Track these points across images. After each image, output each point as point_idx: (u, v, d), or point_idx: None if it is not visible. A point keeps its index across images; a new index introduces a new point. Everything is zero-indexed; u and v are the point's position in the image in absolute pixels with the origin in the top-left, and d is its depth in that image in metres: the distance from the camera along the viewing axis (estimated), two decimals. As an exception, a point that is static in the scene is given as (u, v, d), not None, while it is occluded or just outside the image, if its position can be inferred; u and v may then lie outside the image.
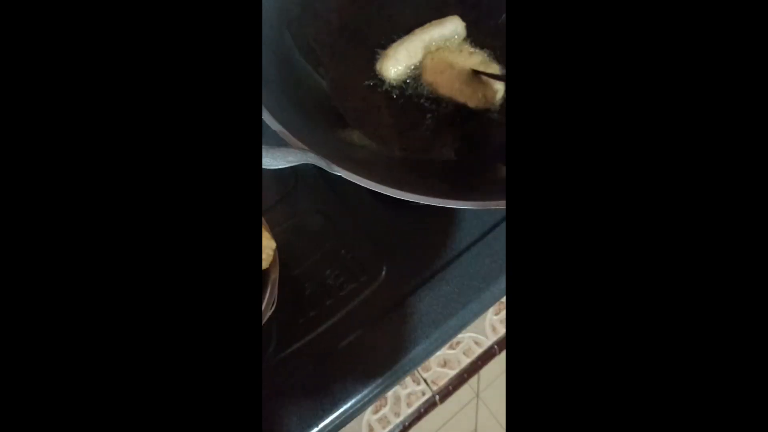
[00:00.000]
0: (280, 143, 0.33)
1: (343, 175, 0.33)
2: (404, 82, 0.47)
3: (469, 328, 0.45)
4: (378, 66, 0.46)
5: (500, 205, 0.34)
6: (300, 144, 0.33)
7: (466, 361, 0.46)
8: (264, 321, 0.30)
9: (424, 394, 0.46)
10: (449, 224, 0.45)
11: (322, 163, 0.32)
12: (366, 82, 0.47)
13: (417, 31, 0.47)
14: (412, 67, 0.47)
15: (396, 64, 0.46)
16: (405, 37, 0.47)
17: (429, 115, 0.46)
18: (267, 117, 0.34)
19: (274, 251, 0.30)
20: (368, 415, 0.45)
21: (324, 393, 0.40)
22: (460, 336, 0.45)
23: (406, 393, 0.46)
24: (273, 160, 0.29)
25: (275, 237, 0.31)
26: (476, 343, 0.47)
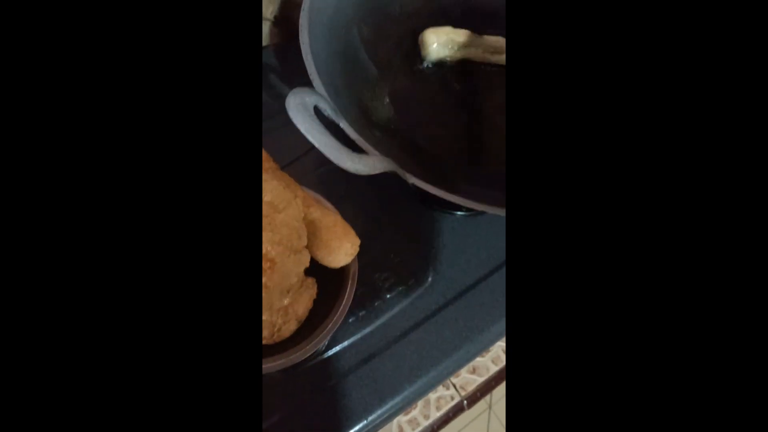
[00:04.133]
0: (355, 149, 0.35)
1: (417, 184, 0.35)
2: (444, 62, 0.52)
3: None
4: (420, 39, 0.52)
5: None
6: (376, 152, 0.35)
7: (494, 368, 0.48)
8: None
9: (452, 398, 0.48)
10: (493, 233, 0.48)
11: (399, 172, 0.35)
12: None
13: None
14: (450, 46, 0.52)
15: (436, 39, 0.51)
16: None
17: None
18: (345, 126, 0.36)
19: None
20: (399, 416, 0.47)
21: (371, 390, 0.41)
22: (489, 344, 0.47)
23: (436, 397, 0.48)
24: (364, 167, 0.32)
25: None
26: (504, 351, 0.49)
